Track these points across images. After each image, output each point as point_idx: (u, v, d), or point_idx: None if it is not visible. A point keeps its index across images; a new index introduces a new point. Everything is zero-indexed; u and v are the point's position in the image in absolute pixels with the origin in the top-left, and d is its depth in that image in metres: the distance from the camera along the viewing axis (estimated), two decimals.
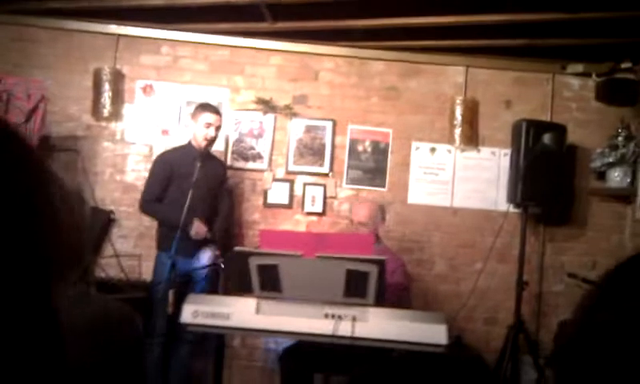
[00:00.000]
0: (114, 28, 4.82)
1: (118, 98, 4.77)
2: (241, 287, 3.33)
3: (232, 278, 3.67)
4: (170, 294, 3.56)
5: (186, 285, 3.96)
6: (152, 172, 4.27)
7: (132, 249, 4.72)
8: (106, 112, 4.71)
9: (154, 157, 4.56)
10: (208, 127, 4.16)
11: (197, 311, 3.16)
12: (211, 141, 4.22)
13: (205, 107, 4.26)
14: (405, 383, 3.53)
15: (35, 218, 0.59)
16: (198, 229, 4.12)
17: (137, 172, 4.79)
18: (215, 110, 4.25)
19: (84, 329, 0.95)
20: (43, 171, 0.63)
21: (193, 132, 4.24)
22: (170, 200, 4.14)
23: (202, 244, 4.21)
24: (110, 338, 1.10)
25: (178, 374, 4.21)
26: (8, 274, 0.55)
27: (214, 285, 4.09)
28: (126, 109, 4.82)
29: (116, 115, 4.78)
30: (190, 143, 4.28)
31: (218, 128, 4.23)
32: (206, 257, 4.21)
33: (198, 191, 3.96)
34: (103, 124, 4.80)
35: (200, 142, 4.18)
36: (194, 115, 4.26)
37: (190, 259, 4.12)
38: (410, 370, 3.56)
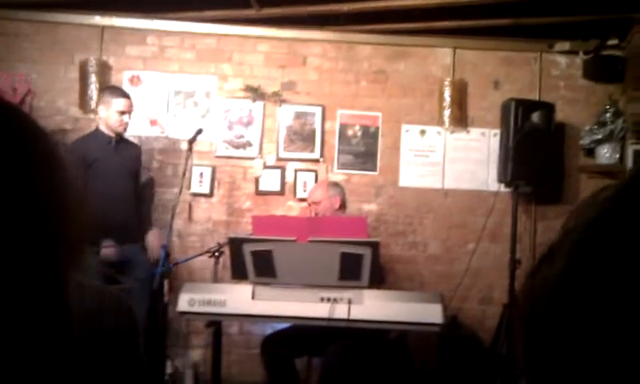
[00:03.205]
0: (98, 19, 4.77)
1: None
2: (235, 274, 3.33)
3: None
4: (165, 283, 3.57)
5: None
6: None
7: None
8: (93, 104, 4.66)
9: (143, 147, 4.54)
10: (122, 115, 4.08)
11: (193, 299, 3.17)
12: (126, 125, 4.16)
13: (114, 92, 4.16)
14: (375, 359, 3.58)
15: (50, 199, 0.58)
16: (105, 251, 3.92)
17: None
18: (125, 94, 4.15)
19: (79, 317, 0.94)
20: (55, 153, 0.63)
21: (104, 118, 4.12)
22: (87, 190, 3.94)
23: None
24: (105, 327, 1.09)
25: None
26: (22, 253, 0.54)
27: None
28: (97, 99, 4.76)
29: None
30: (98, 129, 4.19)
31: (130, 113, 4.15)
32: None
33: (115, 176, 3.96)
34: (91, 116, 4.75)
35: (115, 128, 4.11)
36: (103, 101, 4.16)
37: (121, 247, 4.00)
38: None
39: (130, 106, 4.15)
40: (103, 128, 4.15)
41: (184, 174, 4.24)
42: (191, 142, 4.24)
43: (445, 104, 4.80)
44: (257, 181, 4.83)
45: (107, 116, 4.11)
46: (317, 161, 4.85)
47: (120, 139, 4.20)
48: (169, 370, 4.54)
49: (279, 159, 4.85)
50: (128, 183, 4.18)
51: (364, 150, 4.87)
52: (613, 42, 4.62)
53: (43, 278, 0.57)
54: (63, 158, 0.64)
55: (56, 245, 0.59)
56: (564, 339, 0.44)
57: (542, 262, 0.49)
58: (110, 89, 4.27)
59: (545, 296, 0.46)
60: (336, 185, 4.20)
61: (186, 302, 3.18)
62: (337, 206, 3.98)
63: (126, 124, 4.15)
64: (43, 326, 0.57)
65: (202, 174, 4.78)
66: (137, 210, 4.22)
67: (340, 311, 3.14)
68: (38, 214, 0.57)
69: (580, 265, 0.45)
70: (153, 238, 4.16)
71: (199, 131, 4.27)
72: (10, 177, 0.56)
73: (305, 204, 4.69)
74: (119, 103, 4.09)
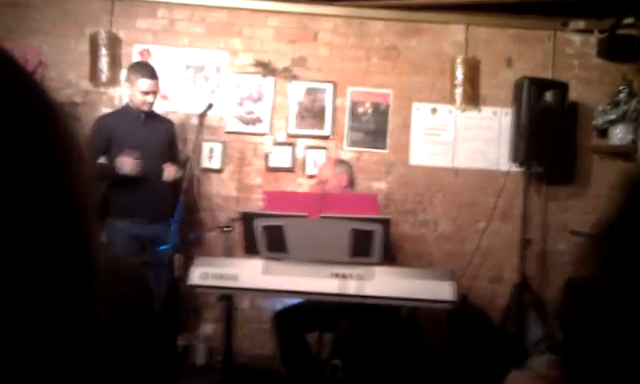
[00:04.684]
0: None
1: (115, 63, 4.70)
2: (247, 248, 3.33)
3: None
4: (176, 258, 3.57)
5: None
6: (91, 136, 4.08)
7: None
8: (103, 77, 4.65)
9: None
10: (145, 95, 4.06)
11: (205, 273, 3.17)
12: (151, 103, 4.13)
13: (139, 71, 4.10)
14: (386, 336, 3.59)
15: (65, 165, 0.58)
16: (124, 160, 3.92)
17: None
18: (150, 74, 4.09)
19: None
20: (67, 122, 0.62)
21: (130, 95, 4.13)
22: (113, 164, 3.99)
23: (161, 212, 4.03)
24: (118, 292, 1.08)
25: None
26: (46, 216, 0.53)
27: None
28: (124, 74, 4.76)
29: (114, 81, 4.71)
30: (127, 104, 4.19)
31: (155, 93, 4.12)
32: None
33: (145, 152, 3.90)
34: (101, 90, 4.74)
35: (140, 106, 4.09)
36: (128, 78, 4.14)
37: (150, 225, 4.00)
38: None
39: (155, 85, 4.10)
40: (130, 104, 4.14)
41: (194, 149, 4.23)
42: (202, 116, 4.21)
43: (457, 82, 4.76)
44: (267, 157, 4.81)
45: (132, 94, 4.10)
46: (327, 138, 4.83)
47: (150, 114, 4.17)
48: (181, 342, 4.57)
49: (289, 136, 4.82)
50: (158, 159, 4.09)
51: (374, 128, 4.83)
52: (628, 20, 4.55)
53: (67, 242, 0.56)
54: (74, 128, 0.62)
55: (78, 212, 0.59)
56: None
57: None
58: (136, 67, 4.19)
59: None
60: (343, 162, 4.18)
61: (197, 275, 3.18)
62: (344, 183, 3.96)
63: (151, 104, 4.12)
64: (70, 291, 0.56)
65: (212, 150, 4.76)
66: (170, 186, 4.13)
67: (351, 287, 3.14)
68: (54, 179, 0.56)
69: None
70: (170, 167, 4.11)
71: (210, 106, 4.24)
72: (24, 143, 0.55)
73: (314, 181, 4.67)
74: (143, 83, 4.05)
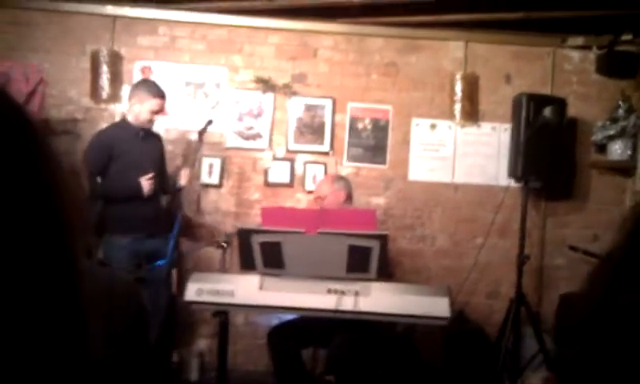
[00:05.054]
0: (110, 9, 4.78)
1: (116, 80, 4.75)
2: (243, 264, 3.34)
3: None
4: (174, 273, 3.58)
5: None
6: (90, 151, 4.09)
7: None
8: (104, 94, 4.69)
9: None
10: (153, 115, 4.09)
11: (201, 289, 3.18)
12: (153, 123, 4.19)
13: (151, 91, 4.09)
14: (381, 352, 3.59)
15: (50, 184, 0.59)
16: (145, 184, 3.98)
17: None
18: (161, 95, 4.11)
19: (89, 300, 0.95)
20: (44, 139, 0.63)
21: (135, 111, 4.10)
22: (112, 180, 4.03)
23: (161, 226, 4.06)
24: (114, 311, 1.09)
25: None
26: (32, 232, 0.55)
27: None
28: (125, 90, 4.80)
29: (115, 97, 4.76)
30: (125, 119, 4.20)
31: (162, 112, 4.17)
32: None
33: (144, 168, 3.96)
34: (102, 106, 4.78)
35: (143, 124, 4.11)
36: (137, 94, 4.11)
37: (149, 240, 4.01)
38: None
39: (163, 105, 4.13)
40: (131, 119, 4.14)
41: (193, 164, 4.26)
42: (201, 133, 4.24)
43: (456, 98, 4.78)
44: (266, 172, 4.84)
45: (139, 111, 4.09)
46: (326, 153, 4.85)
47: (148, 132, 4.21)
48: (175, 358, 4.58)
49: (289, 151, 4.85)
50: (156, 174, 4.13)
51: (374, 144, 4.86)
52: (627, 37, 4.57)
53: (51, 259, 0.58)
54: (51, 144, 0.64)
55: (61, 229, 0.60)
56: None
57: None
58: (147, 85, 4.18)
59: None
60: (341, 178, 4.20)
61: (193, 291, 3.19)
62: (342, 199, 3.98)
63: (155, 121, 4.18)
64: (56, 308, 0.58)
65: (211, 165, 4.79)
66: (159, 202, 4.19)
67: (347, 303, 3.14)
68: (41, 196, 0.58)
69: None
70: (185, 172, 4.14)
71: (209, 122, 4.27)
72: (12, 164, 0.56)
73: (312, 197, 4.69)
74: (154, 104, 4.07)
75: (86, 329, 0.62)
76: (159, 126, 4.53)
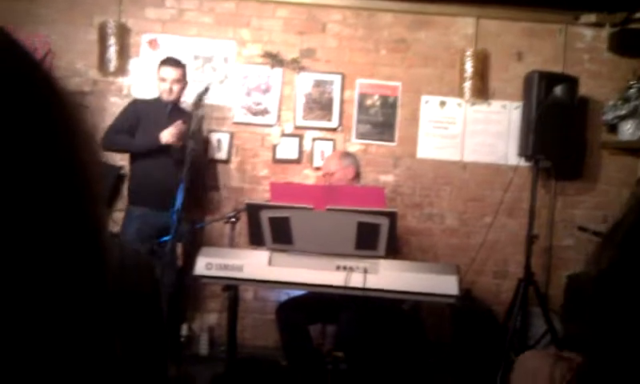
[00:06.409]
0: None
1: (123, 53, 4.71)
2: (252, 240, 3.33)
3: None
4: (179, 246, 3.57)
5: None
6: (121, 112, 4.27)
7: None
8: (112, 67, 4.66)
9: None
10: (163, 82, 4.17)
11: (210, 263, 3.17)
12: (176, 93, 4.21)
13: (163, 61, 4.26)
14: (388, 329, 3.59)
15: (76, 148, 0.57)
16: (165, 133, 4.04)
17: None
18: (173, 63, 4.22)
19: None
20: (74, 108, 0.61)
21: (157, 85, 4.27)
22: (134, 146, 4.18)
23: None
24: (126, 284, 1.08)
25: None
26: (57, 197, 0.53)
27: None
28: (132, 63, 4.77)
29: (122, 70, 4.72)
30: (159, 97, 4.27)
31: (175, 81, 4.19)
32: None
33: (166, 144, 4.02)
34: (110, 79, 4.75)
35: (162, 96, 4.20)
36: (157, 70, 4.27)
37: (163, 212, 3.96)
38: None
39: (174, 74, 4.19)
40: (159, 95, 4.25)
41: (192, 135, 4.11)
42: (198, 99, 4.07)
43: (466, 75, 4.73)
44: (274, 148, 4.81)
45: (157, 83, 4.23)
46: (335, 130, 4.82)
47: (175, 107, 4.23)
48: (184, 332, 4.60)
49: (297, 127, 4.82)
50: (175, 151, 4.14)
51: (382, 120, 4.82)
52: None
53: (78, 227, 0.56)
54: (82, 113, 0.62)
55: (83, 195, 0.58)
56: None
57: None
58: (163, 58, 4.32)
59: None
60: (349, 155, 4.16)
61: (203, 265, 3.19)
62: (350, 176, 3.95)
63: (174, 92, 4.20)
64: (82, 282, 0.56)
65: (219, 141, 4.76)
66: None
67: (355, 280, 3.14)
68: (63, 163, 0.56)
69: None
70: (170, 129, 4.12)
71: (206, 89, 4.12)
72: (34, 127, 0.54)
73: (320, 173, 4.67)
74: (162, 71, 4.19)
75: (110, 303, 0.61)
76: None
